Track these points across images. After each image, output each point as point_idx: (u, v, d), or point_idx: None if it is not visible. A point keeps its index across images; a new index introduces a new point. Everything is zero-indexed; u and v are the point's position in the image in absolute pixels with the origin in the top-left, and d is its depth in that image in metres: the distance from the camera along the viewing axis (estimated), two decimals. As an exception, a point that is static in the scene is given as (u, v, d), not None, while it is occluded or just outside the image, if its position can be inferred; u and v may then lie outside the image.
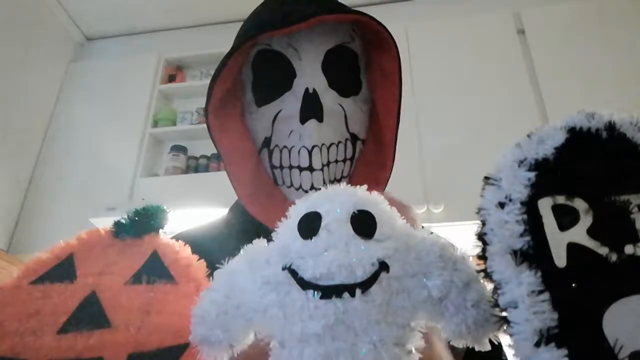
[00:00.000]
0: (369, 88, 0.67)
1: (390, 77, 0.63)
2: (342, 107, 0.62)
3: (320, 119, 0.58)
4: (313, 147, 0.58)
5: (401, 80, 0.63)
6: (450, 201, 1.64)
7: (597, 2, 1.98)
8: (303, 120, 0.58)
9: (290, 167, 0.60)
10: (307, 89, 0.59)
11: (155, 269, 0.33)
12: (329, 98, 0.60)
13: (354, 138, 0.63)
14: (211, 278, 0.33)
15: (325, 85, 0.60)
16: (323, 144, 0.59)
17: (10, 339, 0.29)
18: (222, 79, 0.59)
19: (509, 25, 2.02)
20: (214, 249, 0.38)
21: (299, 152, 0.59)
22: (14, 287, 0.32)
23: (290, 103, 0.60)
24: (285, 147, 0.61)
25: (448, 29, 2.08)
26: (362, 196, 0.33)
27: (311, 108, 0.58)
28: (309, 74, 0.60)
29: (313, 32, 0.61)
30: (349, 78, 0.65)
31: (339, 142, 0.61)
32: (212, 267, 0.35)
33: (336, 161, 0.61)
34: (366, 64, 0.67)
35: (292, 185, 0.61)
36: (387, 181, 0.64)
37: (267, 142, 0.63)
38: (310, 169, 0.58)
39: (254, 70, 0.65)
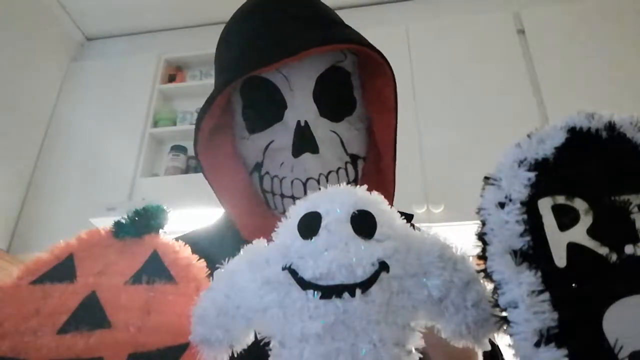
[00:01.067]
0: (364, 104, 0.65)
1: (385, 103, 0.62)
2: (336, 132, 0.61)
3: (314, 150, 0.57)
4: (308, 179, 0.57)
5: (397, 106, 0.61)
6: (450, 201, 1.64)
7: (597, 2, 1.98)
8: (296, 154, 0.57)
9: (283, 196, 0.60)
10: (298, 122, 0.58)
11: (155, 269, 0.33)
12: (320, 127, 0.59)
13: (354, 159, 0.62)
14: (211, 278, 0.33)
15: (316, 115, 0.59)
16: (321, 174, 0.58)
17: (10, 339, 0.29)
18: (209, 113, 0.58)
19: (509, 25, 2.02)
20: (216, 250, 0.38)
21: (291, 182, 0.58)
22: (14, 287, 0.32)
23: (282, 135, 0.59)
24: (276, 176, 0.60)
25: (448, 29, 2.08)
26: (362, 196, 0.33)
27: (304, 141, 0.57)
28: (300, 105, 0.59)
29: (304, 59, 0.59)
30: (341, 100, 0.63)
31: (339, 168, 0.60)
32: (214, 268, 0.35)
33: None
34: (360, 80, 0.66)
35: (285, 212, 0.58)
36: (393, 197, 0.62)
37: (257, 167, 0.62)
38: None
39: (243, 97, 0.63)
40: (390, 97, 0.61)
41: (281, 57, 0.55)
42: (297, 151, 0.57)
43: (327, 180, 0.58)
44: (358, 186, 0.56)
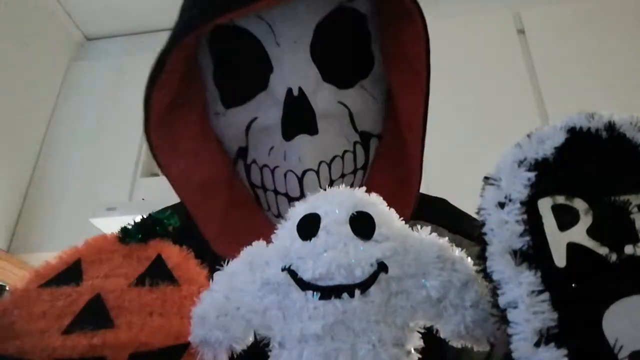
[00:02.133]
0: (384, 60, 0.47)
1: (413, 65, 0.44)
2: (345, 104, 0.45)
3: (313, 131, 0.41)
4: (305, 171, 0.43)
5: (429, 69, 0.45)
6: (450, 201, 1.64)
7: (596, 2, 1.98)
8: (288, 137, 0.42)
9: (276, 192, 0.45)
10: (289, 90, 0.42)
11: (159, 272, 0.34)
12: (323, 97, 0.43)
13: (365, 138, 0.47)
14: (211, 279, 0.33)
15: (316, 79, 0.43)
16: (322, 162, 0.43)
17: (18, 340, 0.29)
18: (165, 78, 0.42)
19: (509, 25, 2.02)
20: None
21: (285, 175, 0.43)
22: (23, 290, 0.32)
23: (268, 109, 0.43)
24: (266, 165, 0.45)
25: (448, 29, 2.08)
26: (361, 197, 0.33)
27: (297, 118, 0.41)
28: (291, 67, 0.42)
29: None
30: (354, 56, 0.46)
31: (346, 151, 0.45)
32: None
33: (343, 175, 0.45)
34: (378, 28, 0.47)
35: (280, 215, 0.44)
36: (417, 189, 0.46)
37: (242, 152, 0.47)
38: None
39: (214, 55, 0.46)
40: (420, 58, 0.44)
41: None
42: (288, 132, 0.41)
43: (329, 170, 0.44)
44: (362, 176, 0.47)
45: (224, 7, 0.39)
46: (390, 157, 0.49)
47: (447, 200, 0.59)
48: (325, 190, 0.34)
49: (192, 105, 0.47)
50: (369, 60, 0.47)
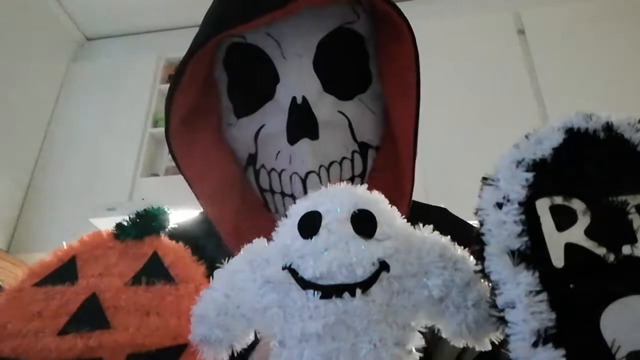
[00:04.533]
0: (380, 78, 0.51)
1: (405, 79, 0.48)
2: (344, 114, 0.48)
3: (314, 136, 0.45)
4: (307, 173, 0.46)
5: (419, 83, 0.47)
6: (449, 201, 1.63)
7: (596, 2, 1.98)
8: (292, 141, 0.45)
9: (283, 194, 0.48)
10: (294, 99, 0.45)
11: (155, 270, 0.33)
12: (324, 107, 0.47)
13: (364, 148, 0.50)
14: (211, 277, 0.33)
15: (318, 89, 0.47)
16: (321, 166, 0.46)
17: (12, 341, 0.29)
18: (185, 87, 0.46)
19: (509, 25, 2.02)
20: (205, 242, 0.36)
21: (290, 178, 0.47)
22: (17, 289, 0.32)
23: (274, 117, 0.47)
24: (273, 169, 0.48)
25: (448, 29, 2.08)
26: (362, 195, 0.33)
27: (301, 124, 0.45)
28: (296, 78, 0.46)
29: (300, 15, 0.46)
30: (353, 72, 0.50)
31: (344, 158, 0.48)
32: (203, 261, 0.34)
33: (341, 181, 0.46)
34: (376, 48, 0.51)
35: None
36: (410, 195, 0.49)
37: (252, 159, 0.50)
38: None
39: (228, 70, 0.51)
40: (410, 72, 0.47)
41: (265, 10, 0.41)
42: (292, 136, 0.45)
43: (327, 173, 0.47)
44: (359, 185, 0.50)
45: (234, 20, 0.43)
46: (386, 168, 0.51)
47: (446, 210, 0.60)
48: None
49: (208, 118, 0.52)
50: (367, 77, 0.51)
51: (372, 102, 0.51)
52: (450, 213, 0.61)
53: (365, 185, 0.34)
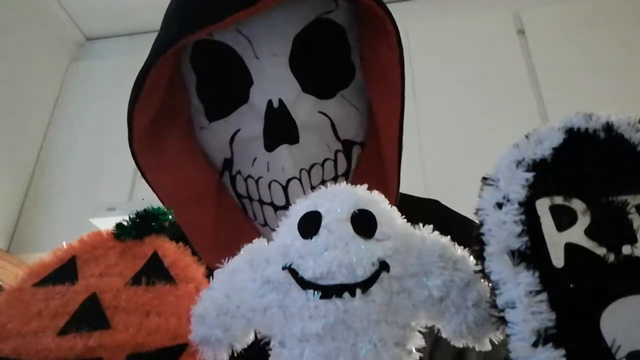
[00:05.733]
0: (364, 78, 0.48)
1: (388, 75, 0.45)
2: (325, 114, 0.45)
3: (293, 140, 0.42)
4: (289, 180, 0.43)
5: (403, 79, 0.45)
6: (449, 201, 1.63)
7: (596, 2, 1.98)
8: (270, 148, 0.42)
9: (262, 202, 0.46)
10: (269, 103, 0.42)
11: (155, 270, 0.33)
12: (304, 108, 0.43)
13: (347, 146, 0.48)
14: (211, 277, 0.33)
15: (296, 90, 0.44)
16: (302, 169, 0.44)
17: (12, 341, 0.29)
18: (148, 92, 0.42)
19: (509, 25, 2.02)
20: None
21: (269, 185, 0.44)
22: (17, 289, 0.32)
23: (249, 121, 0.44)
24: (250, 176, 0.46)
25: (448, 29, 2.08)
26: (362, 195, 0.33)
27: (279, 130, 0.42)
28: (271, 80, 0.43)
29: (273, 9, 0.42)
30: (333, 67, 0.47)
31: (326, 159, 0.46)
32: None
33: (323, 182, 0.46)
34: (357, 39, 0.48)
35: (266, 224, 0.46)
36: (396, 194, 0.47)
37: (227, 164, 0.47)
38: (288, 207, 0.40)
39: (196, 69, 0.47)
40: (395, 67, 0.44)
41: (234, 9, 0.37)
42: (270, 143, 0.42)
43: (309, 176, 0.45)
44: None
45: (200, 22, 0.39)
46: (371, 164, 0.49)
47: (438, 202, 0.58)
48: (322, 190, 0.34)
49: (178, 119, 0.48)
50: (349, 71, 0.48)
51: (355, 97, 0.48)
52: (443, 205, 0.59)
53: (366, 185, 0.34)
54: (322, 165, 0.46)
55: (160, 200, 0.46)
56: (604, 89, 1.75)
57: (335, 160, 0.47)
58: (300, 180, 0.44)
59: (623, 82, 1.75)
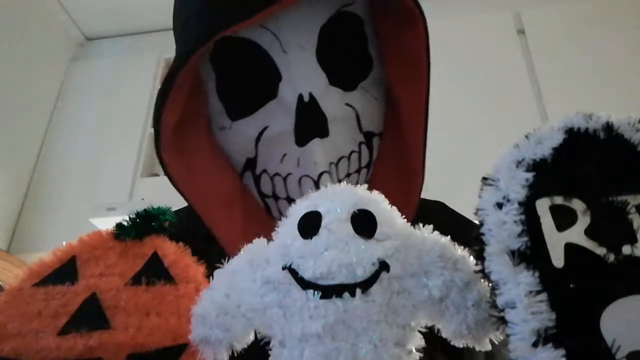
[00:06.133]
0: (385, 67, 0.49)
1: (415, 63, 0.45)
2: (351, 105, 0.45)
3: (324, 134, 0.42)
4: (321, 174, 0.43)
5: (429, 67, 0.46)
6: (449, 201, 1.63)
7: (596, 2, 1.98)
8: (302, 143, 0.42)
9: (289, 200, 0.45)
10: (300, 97, 0.42)
11: (155, 270, 0.33)
12: (332, 101, 0.44)
13: (369, 137, 0.48)
14: (211, 277, 0.33)
15: (325, 83, 0.43)
16: (331, 163, 0.44)
17: (12, 341, 0.29)
18: (173, 97, 0.42)
19: (509, 25, 2.02)
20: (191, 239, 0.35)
21: (299, 181, 0.44)
22: (17, 289, 0.32)
23: (279, 117, 0.43)
24: (277, 174, 0.45)
25: (448, 28, 2.08)
26: (362, 195, 0.33)
27: (310, 124, 0.42)
28: (301, 74, 0.43)
29: (297, 3, 0.42)
30: (354, 59, 0.47)
31: (352, 151, 0.46)
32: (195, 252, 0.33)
33: (348, 175, 0.46)
34: (373, 30, 0.48)
35: None
36: (420, 188, 0.48)
37: (250, 164, 0.47)
38: None
39: (216, 68, 0.46)
40: (421, 53, 0.45)
41: (264, 5, 0.37)
42: (302, 137, 0.42)
43: (337, 170, 0.45)
44: (366, 175, 0.48)
45: (228, 20, 0.39)
46: (392, 154, 0.49)
47: (444, 204, 0.58)
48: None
49: (198, 123, 0.48)
50: (367, 62, 0.48)
51: (374, 89, 0.48)
52: (448, 208, 0.60)
53: (366, 185, 0.34)
54: (349, 157, 0.46)
55: (194, 207, 0.45)
56: (604, 89, 1.75)
57: (359, 152, 0.47)
58: (330, 174, 0.43)
59: (623, 82, 1.75)
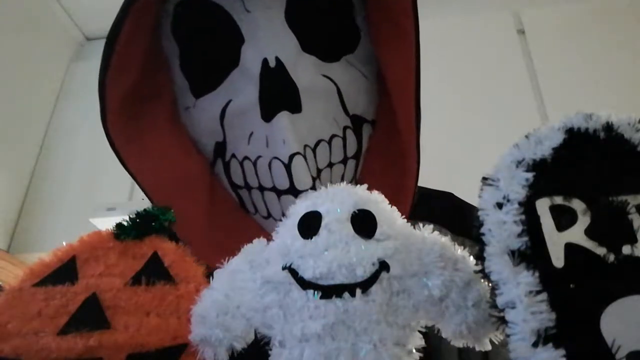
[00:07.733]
0: (372, 39, 0.42)
1: (403, 40, 0.38)
2: (331, 78, 0.39)
3: (295, 108, 0.36)
4: (292, 156, 0.36)
5: (419, 45, 0.38)
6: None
7: (596, 2, 1.98)
8: (267, 116, 0.35)
9: (262, 189, 0.39)
10: (265, 62, 0.36)
11: (155, 270, 0.33)
12: (305, 69, 0.37)
13: (357, 122, 0.41)
14: (211, 277, 0.33)
15: (295, 48, 0.37)
16: (306, 146, 0.37)
17: (13, 341, 0.29)
18: (120, 63, 0.35)
19: (509, 25, 2.02)
20: None
21: (269, 165, 0.38)
22: (17, 289, 0.32)
23: (242, 88, 0.37)
24: (246, 157, 0.39)
25: (448, 28, 2.08)
26: (362, 195, 0.33)
27: (276, 93, 0.35)
28: (265, 35, 0.37)
29: None
30: (336, 27, 0.41)
31: (334, 135, 0.40)
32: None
33: (330, 165, 0.40)
34: (364, 1, 0.41)
35: (270, 215, 0.40)
36: (416, 180, 0.42)
37: (220, 148, 0.41)
38: (293, 191, 0.36)
39: (179, 40, 0.40)
40: (410, 31, 0.38)
41: None
42: (266, 110, 0.35)
43: (314, 155, 0.38)
44: (354, 167, 0.42)
45: None
46: (384, 146, 0.43)
47: (453, 195, 0.55)
48: (323, 186, 0.34)
49: (159, 102, 0.42)
50: (354, 34, 0.42)
51: (363, 65, 0.41)
52: (458, 199, 0.54)
53: (365, 185, 0.34)
54: (329, 142, 0.39)
55: (143, 191, 0.40)
56: (604, 89, 1.75)
57: (344, 138, 0.40)
58: (304, 157, 0.37)
59: (623, 82, 1.75)
